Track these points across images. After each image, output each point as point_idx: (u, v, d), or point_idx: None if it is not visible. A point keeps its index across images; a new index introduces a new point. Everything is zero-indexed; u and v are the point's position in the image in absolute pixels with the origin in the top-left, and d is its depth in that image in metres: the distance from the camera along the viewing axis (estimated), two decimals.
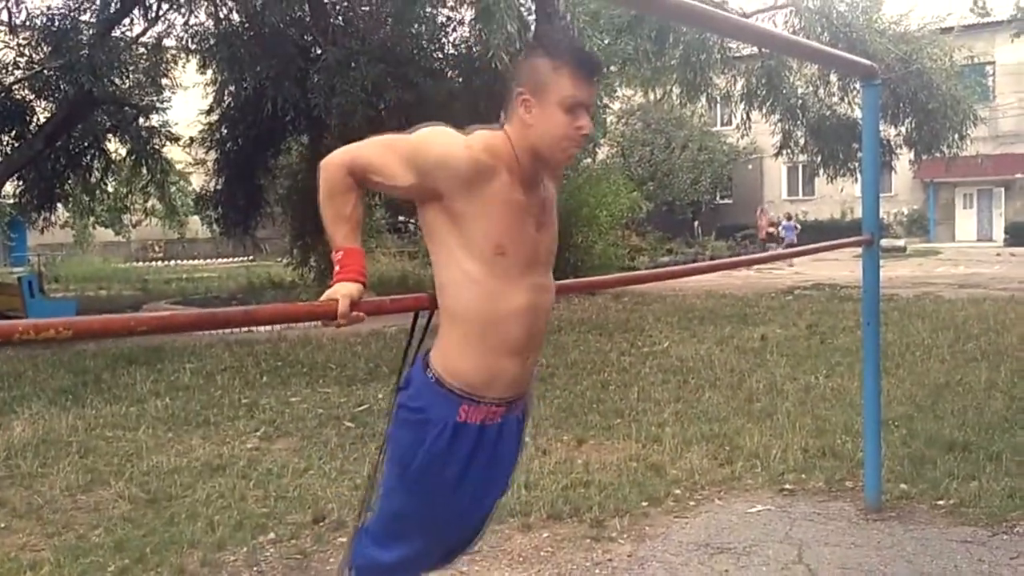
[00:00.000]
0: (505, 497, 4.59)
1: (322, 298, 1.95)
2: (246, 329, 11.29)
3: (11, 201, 20.13)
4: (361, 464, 5.27)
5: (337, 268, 1.99)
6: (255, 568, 3.94)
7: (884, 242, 25.29)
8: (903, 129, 17.98)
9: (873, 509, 4.40)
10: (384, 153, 1.99)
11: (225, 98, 15.28)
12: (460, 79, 13.83)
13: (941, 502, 4.51)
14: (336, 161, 2.02)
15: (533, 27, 12.52)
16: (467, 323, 2.03)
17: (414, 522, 2.09)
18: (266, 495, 4.89)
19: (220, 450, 5.82)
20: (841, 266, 19.20)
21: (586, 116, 2.02)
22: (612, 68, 16.39)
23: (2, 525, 4.55)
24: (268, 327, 11.32)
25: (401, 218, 24.36)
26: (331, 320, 1.93)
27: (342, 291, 1.93)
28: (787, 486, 4.86)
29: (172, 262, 31.40)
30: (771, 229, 26.53)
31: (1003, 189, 32.16)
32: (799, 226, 26.13)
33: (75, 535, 4.38)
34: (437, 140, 1.98)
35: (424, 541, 2.13)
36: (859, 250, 4.62)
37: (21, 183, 17.54)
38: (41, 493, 5.01)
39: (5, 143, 16.67)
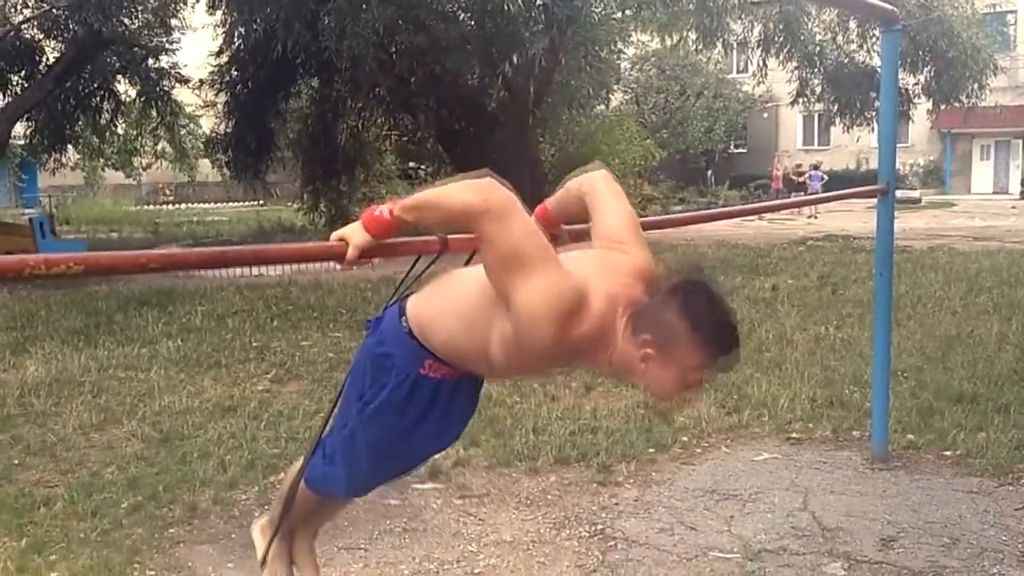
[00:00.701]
0: (512, 441, 4.66)
1: (336, 235, 1.91)
2: (256, 273, 11.33)
3: (22, 142, 20.14)
4: None
5: (376, 213, 1.89)
6: (267, 507, 3.99)
7: (899, 193, 24.62)
8: (922, 78, 17.71)
9: (879, 459, 4.42)
10: (514, 252, 1.76)
11: (235, 40, 15.11)
12: (472, 22, 13.65)
13: (948, 452, 4.52)
14: (487, 203, 1.76)
15: None
16: (462, 344, 1.99)
17: (363, 449, 2.15)
18: (277, 436, 4.94)
19: (231, 391, 5.88)
20: (855, 217, 19.09)
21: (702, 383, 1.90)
22: (627, 12, 16.15)
23: (16, 462, 4.62)
24: (278, 271, 11.36)
25: (412, 164, 24.25)
26: (339, 262, 1.92)
27: (356, 239, 1.88)
28: (794, 435, 4.88)
29: (182, 205, 31.40)
30: (799, 178, 25.40)
31: (1021, 140, 31.73)
32: (826, 176, 25.26)
33: (88, 472, 4.44)
34: (550, 305, 1.74)
35: (368, 466, 2.19)
36: (873, 201, 4.58)
37: (31, 124, 17.53)
38: (55, 431, 5.08)
39: (15, 83, 16.61)
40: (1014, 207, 25.66)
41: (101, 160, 24.96)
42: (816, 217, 21.71)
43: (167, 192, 34.17)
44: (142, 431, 5.05)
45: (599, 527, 3.75)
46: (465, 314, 1.95)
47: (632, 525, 3.75)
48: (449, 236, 2.04)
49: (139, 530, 3.74)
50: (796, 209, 21.76)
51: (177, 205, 31.61)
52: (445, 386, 2.07)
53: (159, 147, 24.49)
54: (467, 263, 2.14)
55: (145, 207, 29.66)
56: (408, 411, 2.06)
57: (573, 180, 2.19)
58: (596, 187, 2.13)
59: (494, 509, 3.97)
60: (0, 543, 3.62)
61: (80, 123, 18.26)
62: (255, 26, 13.58)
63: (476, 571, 3.40)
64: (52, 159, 19.70)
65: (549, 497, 4.09)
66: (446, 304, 2.01)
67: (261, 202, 27.08)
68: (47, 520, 3.83)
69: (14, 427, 5.17)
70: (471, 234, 1.82)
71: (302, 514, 2.37)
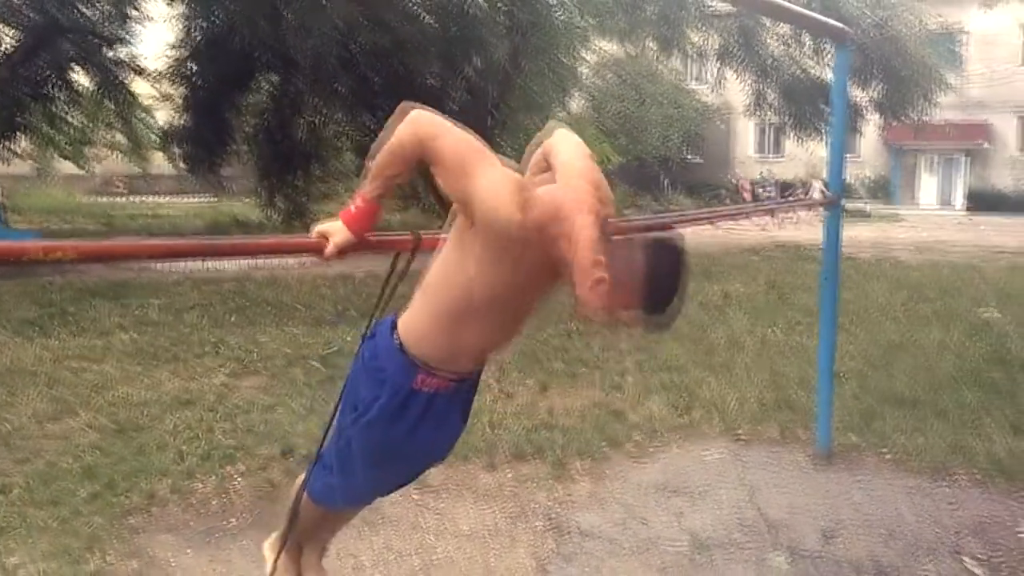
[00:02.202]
0: (470, 436, 4.74)
1: (317, 230, 1.99)
2: (212, 268, 11.28)
3: None
4: (330, 403, 5.36)
5: (352, 210, 2.00)
6: (224, 497, 4.04)
7: (848, 205, 25.05)
8: (873, 93, 18.15)
9: (823, 458, 4.59)
10: (458, 160, 1.93)
11: (194, 33, 15.00)
12: (436, 24, 13.69)
13: (888, 453, 4.71)
14: (420, 131, 1.95)
15: None
16: (446, 314, 2.04)
17: (358, 459, 2.22)
18: (234, 428, 4.97)
19: (188, 385, 5.88)
20: (806, 227, 19.44)
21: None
22: (590, 20, 16.31)
23: None
24: (234, 267, 11.32)
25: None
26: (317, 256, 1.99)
27: (338, 238, 1.98)
28: (742, 435, 5.04)
29: (135, 198, 30.84)
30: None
31: (966, 156, 32.62)
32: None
33: (44, 462, 4.43)
34: (502, 190, 1.89)
35: (364, 477, 2.26)
36: (823, 211, 4.75)
37: None
38: (9, 421, 5.05)
39: None
40: (959, 221, 26.32)
41: (53, 149, 24.49)
42: (766, 229, 21.93)
43: (119, 184, 33.59)
44: (98, 422, 5.04)
45: (554, 520, 3.85)
46: (440, 286, 2.04)
47: (586, 518, 3.87)
48: (422, 232, 2.12)
49: (98, 518, 3.77)
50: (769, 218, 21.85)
51: (129, 197, 31.06)
52: (437, 400, 2.12)
53: (113, 138, 24.12)
54: None
55: (97, 199, 29.10)
56: (400, 424, 2.12)
57: (543, 145, 2.17)
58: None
59: (452, 502, 4.06)
60: None
61: (33, 112, 17.93)
62: (215, 20, 13.50)
63: (434, 561, 3.49)
64: (2, 147, 19.32)
65: (506, 491, 4.18)
66: (421, 299, 2.09)
67: (215, 197, 26.76)
68: (4, 507, 3.84)
69: None
70: (431, 164, 1.96)
71: (308, 527, 2.43)
